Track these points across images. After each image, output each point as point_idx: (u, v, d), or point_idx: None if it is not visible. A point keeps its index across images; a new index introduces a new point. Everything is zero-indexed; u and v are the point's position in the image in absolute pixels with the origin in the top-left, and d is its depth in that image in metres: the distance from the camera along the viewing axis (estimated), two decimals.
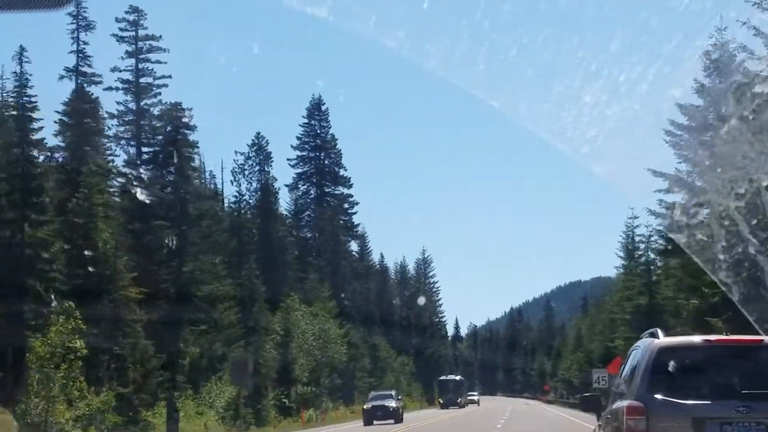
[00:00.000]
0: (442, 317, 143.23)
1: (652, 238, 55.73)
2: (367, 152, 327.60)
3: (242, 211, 71.82)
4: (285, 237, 73.39)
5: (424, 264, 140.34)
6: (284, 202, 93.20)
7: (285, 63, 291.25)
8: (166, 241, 51.03)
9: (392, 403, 53.34)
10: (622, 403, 9.17)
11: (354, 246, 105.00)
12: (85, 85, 57.53)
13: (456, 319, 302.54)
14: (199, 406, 45.50)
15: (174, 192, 53.15)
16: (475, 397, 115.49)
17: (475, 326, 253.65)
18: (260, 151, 72.50)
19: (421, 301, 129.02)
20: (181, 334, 50.57)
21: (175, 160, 55.98)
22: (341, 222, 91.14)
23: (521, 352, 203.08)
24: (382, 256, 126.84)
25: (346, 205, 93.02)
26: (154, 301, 49.53)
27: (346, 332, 79.04)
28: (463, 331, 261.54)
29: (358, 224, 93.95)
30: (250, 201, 72.74)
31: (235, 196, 71.55)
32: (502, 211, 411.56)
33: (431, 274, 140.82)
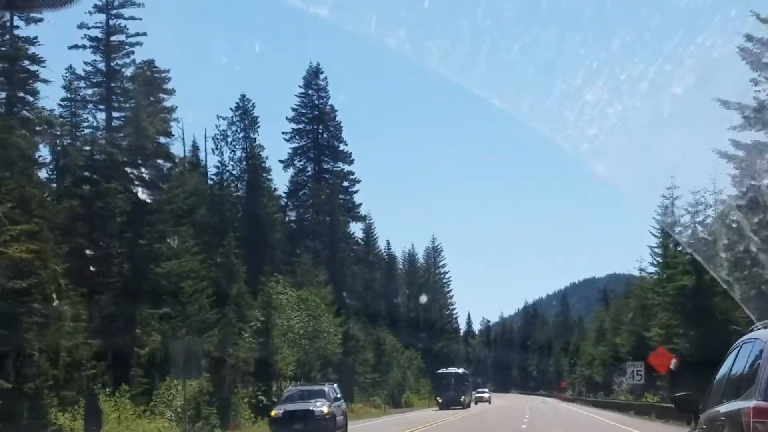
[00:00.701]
0: (453, 310, 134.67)
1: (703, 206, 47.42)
2: (370, 150, 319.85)
3: (225, 184, 63.29)
4: (274, 213, 64.84)
5: (434, 253, 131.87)
6: (279, 181, 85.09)
7: (286, 62, 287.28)
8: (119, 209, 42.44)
9: (321, 408, 31.22)
10: (745, 404, 7.82)
11: (356, 230, 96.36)
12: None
13: (468, 314, 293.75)
14: (148, 405, 37.16)
15: (131, 152, 44.59)
16: (486, 395, 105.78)
17: (488, 321, 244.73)
18: (245, 116, 64.06)
19: (423, 299, 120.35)
20: (135, 319, 42.14)
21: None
22: (341, 201, 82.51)
23: (536, 348, 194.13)
24: (388, 244, 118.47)
25: (346, 183, 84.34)
26: (103, 278, 41.28)
27: (344, 322, 70.51)
28: (476, 327, 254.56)
29: (360, 204, 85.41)
30: (234, 172, 64.26)
31: (217, 167, 63.10)
32: (508, 209, 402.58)
33: (442, 263, 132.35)
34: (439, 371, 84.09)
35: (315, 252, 75.77)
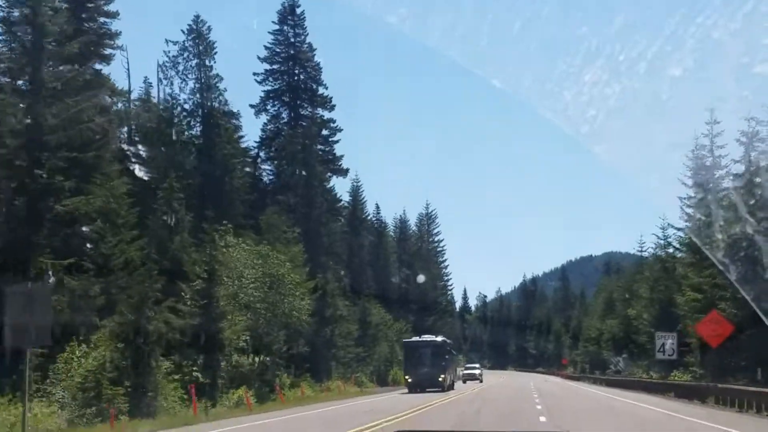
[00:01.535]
0: (448, 281, 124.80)
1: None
2: (365, 119, 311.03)
3: (176, 121, 53.24)
4: (234, 158, 54.74)
5: (427, 220, 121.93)
6: (250, 130, 75.09)
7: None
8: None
9: None
10: None
11: (342, 192, 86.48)
12: None
13: (464, 290, 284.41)
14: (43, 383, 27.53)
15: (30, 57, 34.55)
16: (477, 371, 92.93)
17: (485, 297, 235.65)
18: (199, 41, 53.87)
19: (421, 278, 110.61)
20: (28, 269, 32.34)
21: None
22: (320, 151, 72.33)
23: (534, 324, 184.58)
24: (377, 208, 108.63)
25: (326, 132, 74.09)
26: None
27: (319, 286, 60.66)
28: (472, 303, 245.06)
29: (342, 157, 75.12)
30: (187, 107, 54.18)
31: (166, 100, 53.02)
32: (507, 187, 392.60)
33: (435, 231, 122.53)
34: (409, 340, 64.77)
35: (288, 208, 65.86)
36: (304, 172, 64.84)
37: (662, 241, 61.64)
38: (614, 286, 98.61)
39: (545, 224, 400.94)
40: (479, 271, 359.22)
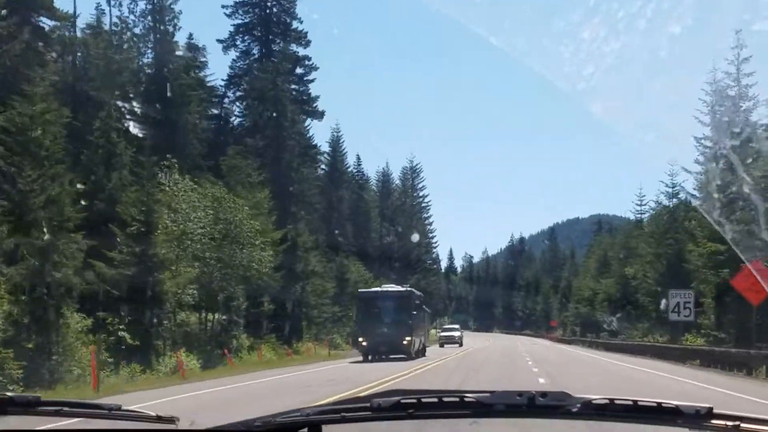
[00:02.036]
0: (433, 238, 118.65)
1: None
2: (347, 73, 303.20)
3: (125, 47, 46.68)
4: (191, 90, 48.22)
5: (411, 173, 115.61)
6: (218, 67, 68.47)
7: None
8: None
9: None
10: None
11: (321, 141, 79.94)
12: None
13: (450, 250, 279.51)
14: None
15: None
16: (456, 334, 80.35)
17: (471, 257, 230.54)
18: None
19: (415, 237, 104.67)
20: None
21: None
22: (293, 92, 65.84)
23: (522, 285, 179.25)
24: (358, 159, 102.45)
25: (300, 70, 67.49)
26: None
27: (288, 237, 54.56)
28: (458, 264, 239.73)
29: (318, 98, 68.51)
30: (137, 31, 47.53)
31: (116, 24, 46.43)
32: (496, 146, 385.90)
33: (420, 185, 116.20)
34: (365, 290, 52.17)
35: (256, 151, 59.53)
36: (274, 113, 58.28)
37: (670, 189, 55.41)
38: (608, 244, 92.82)
39: (533, 186, 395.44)
40: (466, 232, 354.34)
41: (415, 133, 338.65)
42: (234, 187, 46.55)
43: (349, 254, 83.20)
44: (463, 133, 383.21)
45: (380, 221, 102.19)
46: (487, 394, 2.55)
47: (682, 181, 53.47)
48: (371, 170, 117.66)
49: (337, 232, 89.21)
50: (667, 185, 55.89)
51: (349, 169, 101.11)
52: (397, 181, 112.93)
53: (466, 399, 2.55)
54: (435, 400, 2.60)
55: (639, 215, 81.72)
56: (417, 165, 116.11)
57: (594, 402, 2.46)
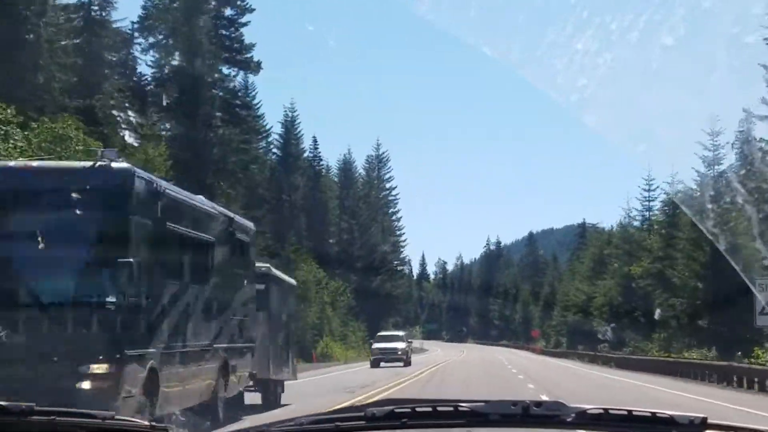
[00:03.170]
0: (401, 236, 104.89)
1: None
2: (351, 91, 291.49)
3: None
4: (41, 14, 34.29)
5: (377, 162, 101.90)
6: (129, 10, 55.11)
7: (276, 8, 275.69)
8: None
9: None
10: None
11: (266, 107, 66.30)
12: None
13: (423, 256, 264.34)
14: None
15: None
16: (398, 346, 51.05)
17: (445, 263, 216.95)
18: None
19: (378, 232, 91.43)
20: None
21: None
22: (221, 36, 52.04)
23: (499, 292, 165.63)
24: (315, 143, 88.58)
25: (230, 12, 53.64)
26: None
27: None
28: (431, 270, 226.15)
29: (253, 46, 54.57)
30: None
31: None
32: (477, 153, 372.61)
33: (387, 176, 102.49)
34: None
35: (167, 106, 45.97)
36: (188, 56, 44.58)
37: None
38: (604, 242, 79.64)
39: (511, 194, 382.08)
40: (439, 238, 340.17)
41: (387, 131, 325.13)
42: (111, 138, 32.80)
43: (298, 248, 69.53)
44: (440, 137, 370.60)
45: (339, 214, 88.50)
46: (482, 404, 2.53)
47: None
48: (332, 159, 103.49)
49: (286, 223, 75.60)
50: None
51: (305, 155, 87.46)
52: (361, 170, 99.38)
53: (461, 408, 2.56)
54: (429, 409, 2.60)
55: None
56: (384, 153, 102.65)
57: (589, 412, 2.45)
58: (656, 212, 62.25)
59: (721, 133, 37.84)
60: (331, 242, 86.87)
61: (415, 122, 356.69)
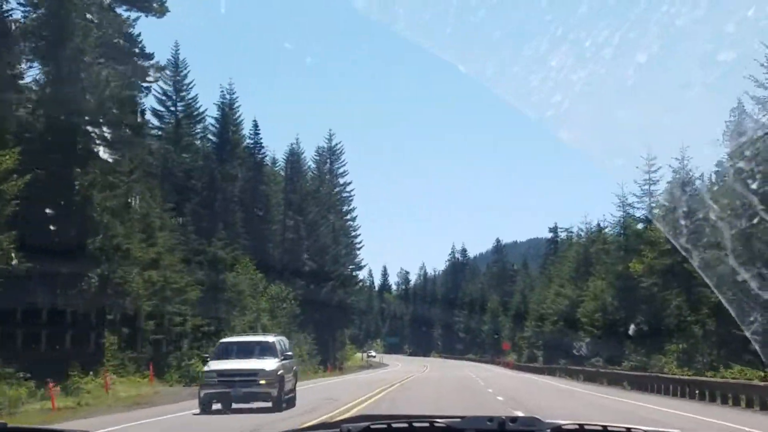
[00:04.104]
0: (356, 238, 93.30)
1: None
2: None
3: None
4: None
5: (329, 155, 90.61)
6: None
7: (252, 23, 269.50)
8: None
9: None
10: None
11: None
12: None
13: (384, 266, 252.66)
14: None
15: None
16: (259, 368, 25.42)
17: (407, 273, 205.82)
18: None
19: (329, 231, 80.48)
20: None
21: None
22: None
23: (465, 302, 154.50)
24: (256, 128, 77.14)
25: None
26: None
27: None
28: (393, 281, 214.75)
29: None
30: None
31: None
32: (445, 165, 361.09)
33: (341, 170, 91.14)
34: None
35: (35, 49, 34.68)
36: None
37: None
38: (588, 241, 68.83)
39: (475, 208, 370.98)
40: (402, 247, 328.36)
41: (351, 142, 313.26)
42: None
43: (228, 244, 58.05)
44: (404, 148, 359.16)
45: (284, 210, 76.94)
46: (458, 420, 2.51)
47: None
48: (279, 153, 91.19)
49: (216, 218, 63.97)
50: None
51: (245, 144, 76.10)
52: (311, 163, 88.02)
53: (437, 424, 2.51)
54: (405, 425, 2.54)
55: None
56: (337, 146, 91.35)
57: (564, 427, 2.43)
58: (659, 198, 51.55)
59: (687, 157, 40.46)
60: (274, 242, 75.33)
61: (381, 134, 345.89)
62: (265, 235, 73.79)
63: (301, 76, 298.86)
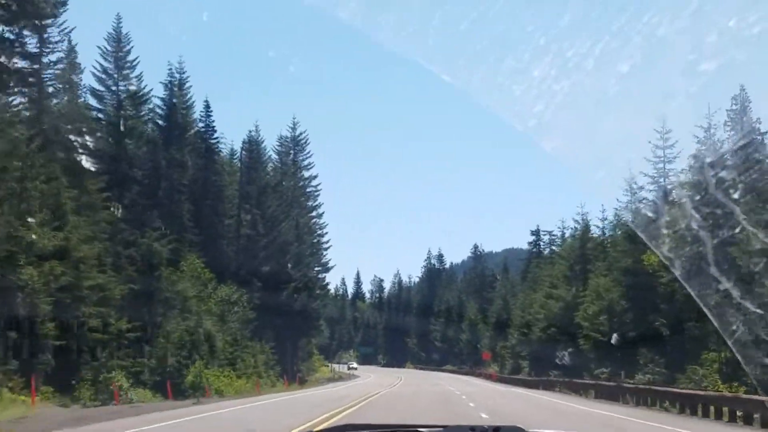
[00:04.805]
0: (323, 237, 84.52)
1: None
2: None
3: None
4: None
5: (293, 145, 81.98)
6: None
7: (235, 32, 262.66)
8: None
9: None
10: None
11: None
12: None
13: (357, 273, 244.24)
14: None
15: None
16: None
17: (381, 280, 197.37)
18: None
19: (291, 227, 72.20)
20: None
21: None
22: None
23: (442, 309, 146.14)
24: (207, 108, 68.42)
25: None
26: None
27: None
28: (366, 288, 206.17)
29: None
30: None
31: None
32: (423, 172, 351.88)
33: (306, 162, 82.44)
34: None
35: None
36: None
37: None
38: (584, 238, 60.71)
39: (450, 217, 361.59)
40: (376, 256, 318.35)
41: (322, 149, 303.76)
42: None
43: (171, 238, 49.33)
44: (382, 153, 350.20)
45: (240, 203, 68.21)
46: (440, 429, 2.50)
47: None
48: (233, 133, 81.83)
49: (159, 209, 55.21)
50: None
51: (195, 130, 67.45)
52: (272, 153, 79.40)
53: None
54: None
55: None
56: (301, 135, 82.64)
57: None
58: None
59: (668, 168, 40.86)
60: (227, 238, 66.62)
61: (361, 139, 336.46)
62: (217, 231, 65.07)
63: (285, 83, 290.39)
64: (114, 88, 62.14)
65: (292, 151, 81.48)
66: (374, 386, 55.99)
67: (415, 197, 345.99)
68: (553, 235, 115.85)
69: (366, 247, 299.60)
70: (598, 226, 63.44)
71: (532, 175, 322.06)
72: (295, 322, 71.64)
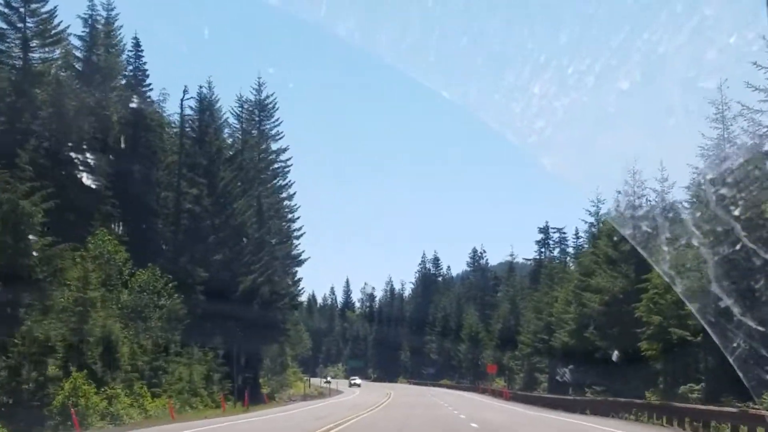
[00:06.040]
0: (293, 222, 69.00)
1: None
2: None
3: None
4: None
5: (258, 111, 66.80)
6: None
7: (234, 49, 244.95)
8: None
9: None
10: None
11: None
12: None
13: (347, 281, 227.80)
14: None
15: None
16: None
17: (373, 289, 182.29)
18: None
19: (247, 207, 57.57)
20: None
21: None
22: None
23: (438, 318, 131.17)
24: (138, 46, 53.42)
25: None
26: None
27: None
28: (356, 298, 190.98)
29: None
30: None
31: None
32: (422, 188, 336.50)
33: (273, 131, 67.18)
34: None
35: None
36: None
37: None
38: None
39: (449, 229, 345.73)
40: (366, 265, 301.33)
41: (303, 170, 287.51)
42: None
43: (42, 194, 34.26)
44: (378, 165, 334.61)
45: (180, 170, 53.09)
46: None
47: None
48: (173, 87, 66.60)
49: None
50: None
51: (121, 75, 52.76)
52: (228, 117, 64.30)
53: None
54: None
55: None
56: (268, 99, 67.39)
57: None
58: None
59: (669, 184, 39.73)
60: (162, 214, 51.60)
61: (361, 151, 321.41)
62: (147, 203, 50.06)
63: (283, 100, 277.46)
64: (20, 24, 48.06)
65: (257, 118, 66.37)
66: (353, 408, 41.08)
67: (410, 211, 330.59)
68: (563, 233, 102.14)
69: (356, 255, 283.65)
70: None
71: (531, 192, 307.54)
72: (255, 326, 56.41)
